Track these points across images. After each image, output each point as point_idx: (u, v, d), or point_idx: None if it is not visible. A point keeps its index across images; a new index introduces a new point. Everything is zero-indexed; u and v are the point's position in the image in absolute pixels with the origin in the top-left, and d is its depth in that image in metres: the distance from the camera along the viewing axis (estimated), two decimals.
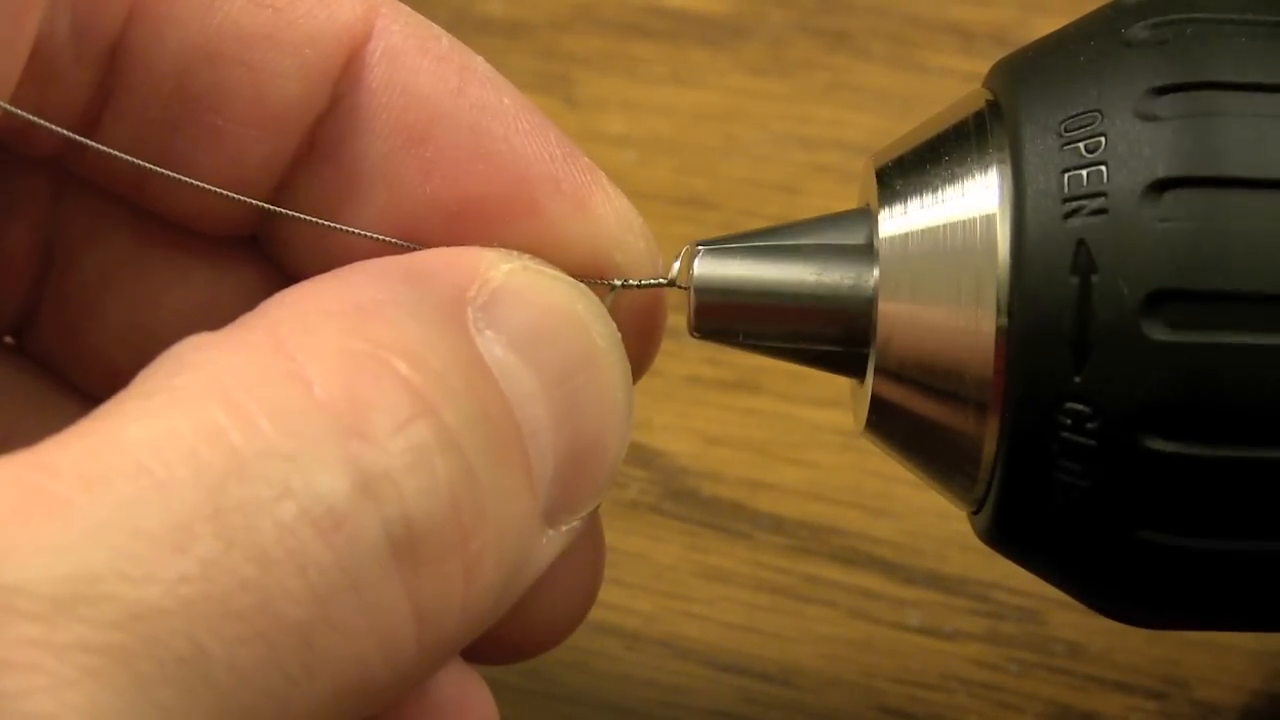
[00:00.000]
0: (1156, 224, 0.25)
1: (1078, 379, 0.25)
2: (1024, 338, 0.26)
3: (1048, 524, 0.27)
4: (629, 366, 0.27)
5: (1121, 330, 0.25)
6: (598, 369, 0.26)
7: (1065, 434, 0.25)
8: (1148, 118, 0.25)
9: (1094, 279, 0.25)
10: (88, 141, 0.26)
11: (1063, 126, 0.26)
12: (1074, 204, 0.26)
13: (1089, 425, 0.25)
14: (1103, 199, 0.25)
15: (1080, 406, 0.25)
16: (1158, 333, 0.25)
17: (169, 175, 0.27)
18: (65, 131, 0.26)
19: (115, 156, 0.26)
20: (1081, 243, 0.25)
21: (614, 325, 0.27)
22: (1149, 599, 0.27)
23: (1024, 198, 0.26)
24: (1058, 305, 0.25)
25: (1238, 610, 0.27)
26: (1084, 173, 0.26)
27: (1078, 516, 0.26)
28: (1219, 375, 0.25)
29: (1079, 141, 0.26)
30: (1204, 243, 0.25)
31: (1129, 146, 0.25)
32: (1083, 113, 0.26)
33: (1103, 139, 0.26)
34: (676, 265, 0.28)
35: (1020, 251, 0.26)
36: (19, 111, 0.25)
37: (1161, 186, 0.25)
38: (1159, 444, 0.25)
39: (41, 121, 0.26)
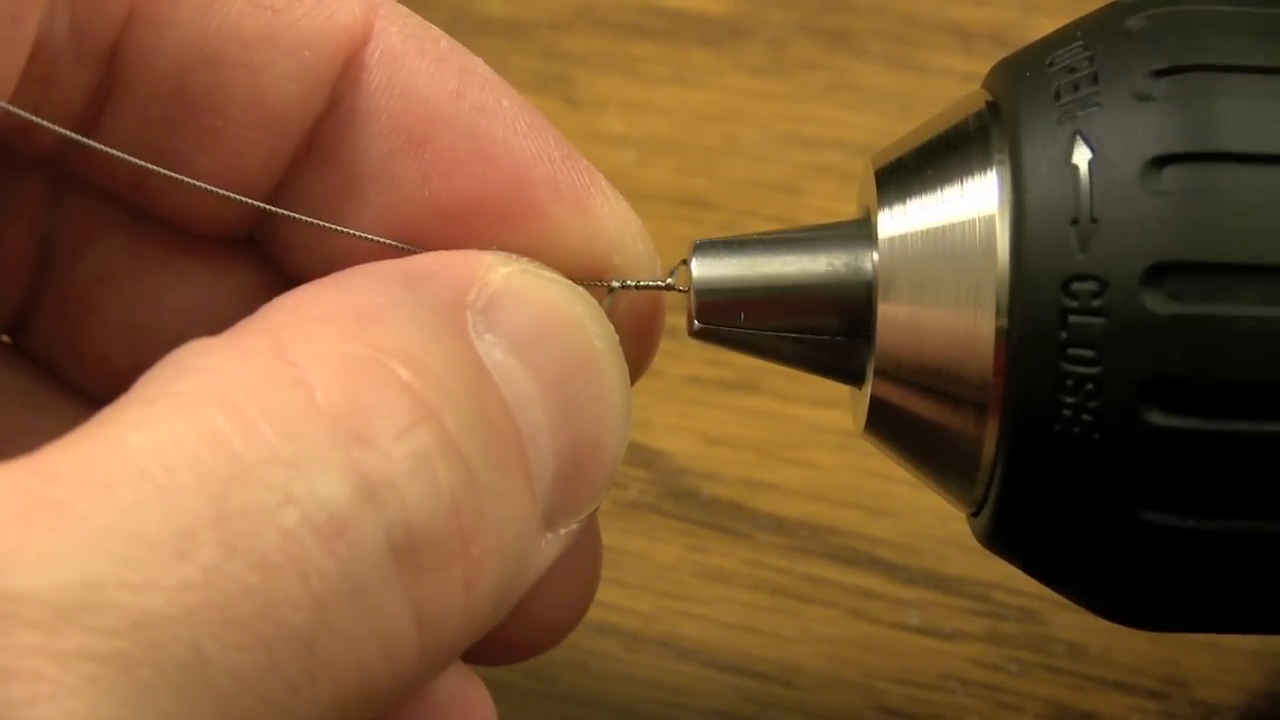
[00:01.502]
0: (1157, 198, 0.25)
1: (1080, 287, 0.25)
2: (1024, 338, 0.26)
3: (1047, 524, 0.27)
4: (627, 368, 0.27)
5: (1125, 288, 0.25)
6: (596, 372, 0.26)
7: (1069, 365, 0.25)
8: (1153, 191, 0.25)
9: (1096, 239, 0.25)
10: (88, 141, 0.26)
11: (1061, 128, 0.26)
12: (1074, 205, 0.26)
13: (1095, 317, 0.25)
14: (1101, 199, 0.25)
15: (1085, 313, 0.25)
16: (1161, 307, 0.25)
17: (168, 175, 0.27)
18: (65, 131, 0.26)
19: (114, 157, 0.26)
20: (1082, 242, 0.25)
21: (612, 327, 0.27)
22: (1150, 593, 0.27)
23: (1024, 199, 0.26)
24: (1058, 299, 0.25)
25: (1239, 596, 0.27)
26: (1084, 173, 0.26)
27: (1079, 499, 0.26)
28: (1224, 347, 0.25)
29: (1078, 143, 0.26)
30: (1205, 215, 0.25)
31: (1126, 140, 0.26)
32: (1081, 115, 0.26)
33: (1101, 143, 0.26)
34: (677, 271, 0.29)
35: (1020, 252, 0.26)
36: (19, 111, 0.25)
37: (1161, 163, 0.25)
38: (1160, 419, 0.25)
39: (42, 121, 0.26)
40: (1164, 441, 0.25)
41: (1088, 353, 0.25)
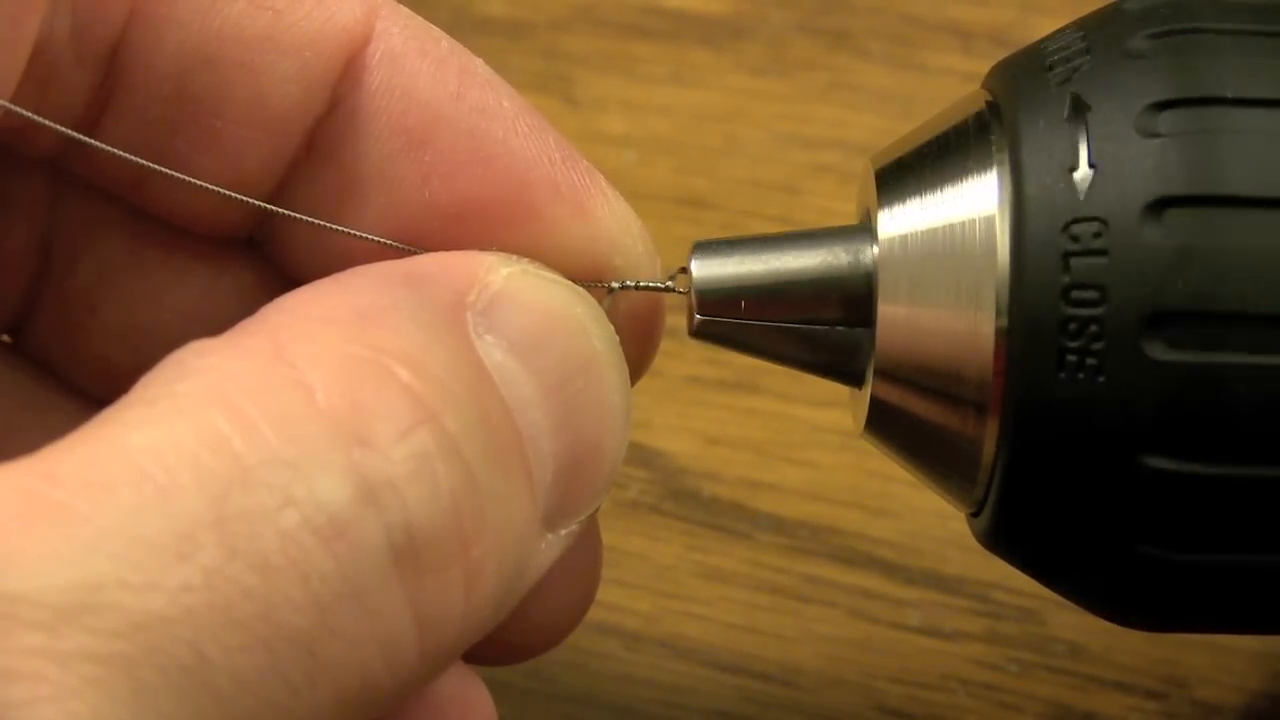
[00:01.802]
0: (1159, 243, 0.25)
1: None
2: (1023, 339, 0.26)
3: (1047, 525, 0.27)
4: (627, 370, 0.27)
5: (1128, 241, 0.25)
6: (596, 373, 0.26)
7: (1069, 352, 0.26)
8: (1149, 134, 0.26)
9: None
10: (90, 140, 0.26)
11: (1061, 128, 0.26)
12: (1073, 205, 0.26)
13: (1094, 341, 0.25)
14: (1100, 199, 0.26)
15: (1086, 294, 0.25)
16: (1163, 240, 0.25)
17: (170, 174, 0.27)
18: (68, 130, 0.26)
19: (114, 157, 0.26)
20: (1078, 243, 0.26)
21: (612, 329, 0.27)
22: (1149, 592, 0.27)
23: (1023, 199, 0.26)
24: (1057, 299, 0.25)
25: (1239, 598, 0.27)
26: (1084, 174, 0.26)
27: (1079, 499, 0.26)
28: (1221, 386, 0.25)
29: (1078, 143, 0.26)
30: (1202, 153, 0.25)
31: (1128, 151, 0.26)
32: (1081, 114, 0.26)
33: (1101, 143, 0.26)
34: (677, 276, 0.29)
35: (1020, 253, 0.26)
36: (21, 110, 0.25)
37: (1157, 109, 0.25)
38: (1163, 353, 0.25)
39: (43, 120, 0.26)
40: (1167, 381, 0.25)
41: (1090, 294, 0.25)
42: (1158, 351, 0.25)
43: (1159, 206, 0.25)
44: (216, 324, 0.25)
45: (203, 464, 0.21)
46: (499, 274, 0.26)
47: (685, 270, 0.28)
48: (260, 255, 0.30)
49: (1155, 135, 0.25)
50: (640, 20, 0.48)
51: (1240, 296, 0.25)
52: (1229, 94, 0.25)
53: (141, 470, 0.21)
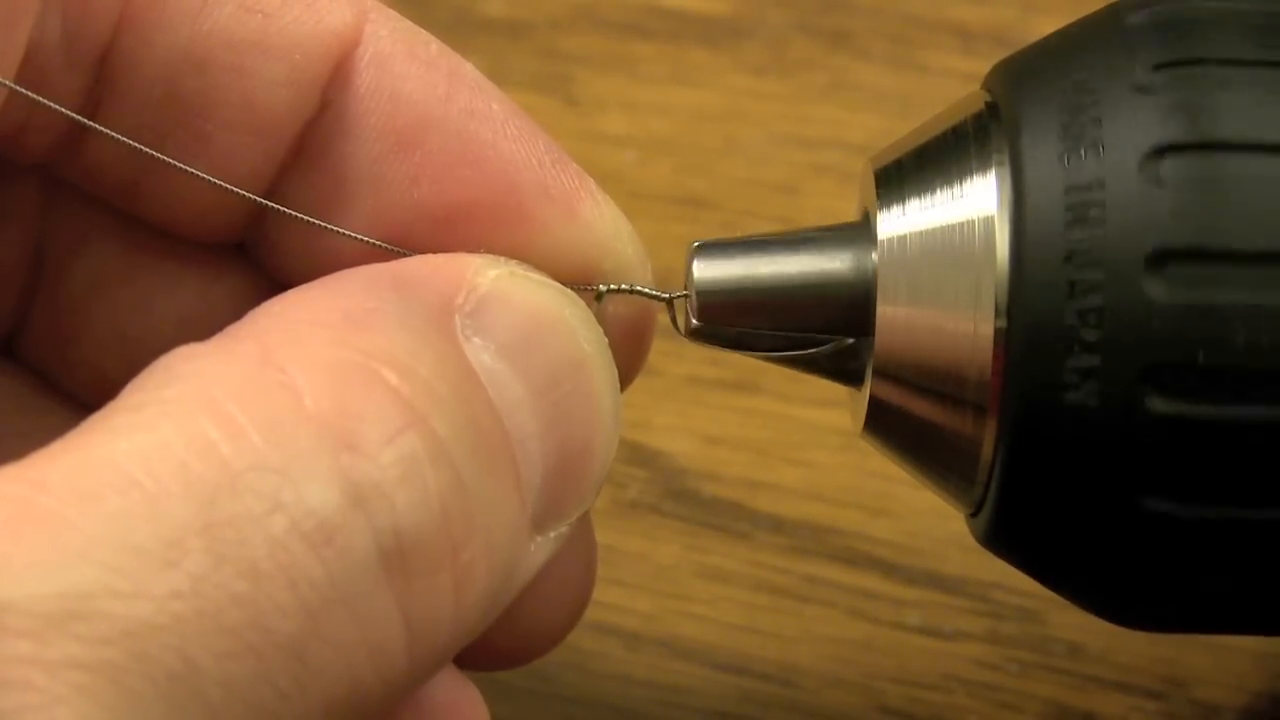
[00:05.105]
0: (1155, 189, 0.25)
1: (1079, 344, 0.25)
2: (1023, 340, 0.26)
3: (1046, 524, 0.27)
4: (616, 372, 0.27)
5: (1125, 289, 0.25)
6: (585, 375, 0.26)
7: (1069, 359, 0.25)
8: (1144, 90, 0.26)
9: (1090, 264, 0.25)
10: (96, 125, 0.26)
11: (1061, 129, 0.26)
12: (1073, 207, 0.26)
13: (1091, 384, 0.25)
14: (1101, 201, 0.25)
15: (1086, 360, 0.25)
16: (1160, 296, 0.25)
17: (169, 162, 0.27)
18: (74, 115, 0.26)
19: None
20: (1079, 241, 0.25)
21: (601, 331, 0.27)
22: (1149, 593, 0.27)
23: (1023, 200, 0.26)
24: (1057, 301, 0.25)
25: (1239, 599, 0.27)
26: (1083, 174, 0.26)
27: (1078, 500, 0.26)
28: (1223, 335, 0.25)
29: (1078, 144, 0.26)
30: (1204, 203, 0.25)
31: (1126, 140, 0.25)
32: (1081, 115, 0.26)
33: (1100, 144, 0.26)
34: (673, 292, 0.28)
35: (1019, 253, 0.26)
36: (28, 92, 0.25)
37: (1161, 153, 0.25)
38: (1161, 405, 0.25)
39: (52, 103, 0.26)
40: (1164, 428, 0.25)
41: (1088, 340, 0.25)
42: (1157, 405, 0.25)
43: (1160, 259, 0.25)
44: (209, 330, 0.25)
45: (190, 470, 0.21)
46: (487, 276, 0.26)
47: (686, 296, 0.28)
48: (251, 260, 0.30)
49: (1160, 184, 0.25)
50: (640, 20, 0.48)
51: (1239, 352, 0.25)
52: (1234, 139, 0.25)
53: (129, 477, 0.21)
